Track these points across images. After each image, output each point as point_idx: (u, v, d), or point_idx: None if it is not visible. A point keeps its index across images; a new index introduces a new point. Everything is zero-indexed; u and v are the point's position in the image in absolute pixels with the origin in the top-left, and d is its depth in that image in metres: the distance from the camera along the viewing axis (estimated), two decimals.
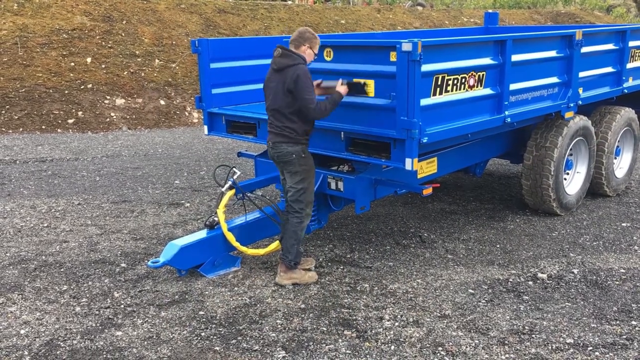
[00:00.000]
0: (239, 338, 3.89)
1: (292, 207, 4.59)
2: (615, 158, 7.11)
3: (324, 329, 4.00)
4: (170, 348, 3.79)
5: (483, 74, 4.88)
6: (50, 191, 7.31)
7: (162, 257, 4.66)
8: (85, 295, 4.53)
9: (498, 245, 5.50)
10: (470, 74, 4.75)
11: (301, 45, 4.49)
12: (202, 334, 3.95)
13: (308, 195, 4.57)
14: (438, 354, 3.70)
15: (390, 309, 4.27)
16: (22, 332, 4.00)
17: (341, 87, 4.51)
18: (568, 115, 5.94)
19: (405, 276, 4.84)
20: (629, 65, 6.82)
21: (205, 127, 5.97)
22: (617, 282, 4.70)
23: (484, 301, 4.40)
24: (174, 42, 13.60)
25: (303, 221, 4.60)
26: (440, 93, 4.52)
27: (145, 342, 3.85)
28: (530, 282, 4.72)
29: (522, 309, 4.28)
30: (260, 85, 6.11)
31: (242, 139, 5.80)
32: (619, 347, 3.78)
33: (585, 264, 5.06)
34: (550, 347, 3.77)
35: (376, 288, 4.61)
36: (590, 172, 6.55)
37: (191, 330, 4.00)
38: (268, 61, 6.07)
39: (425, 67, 4.29)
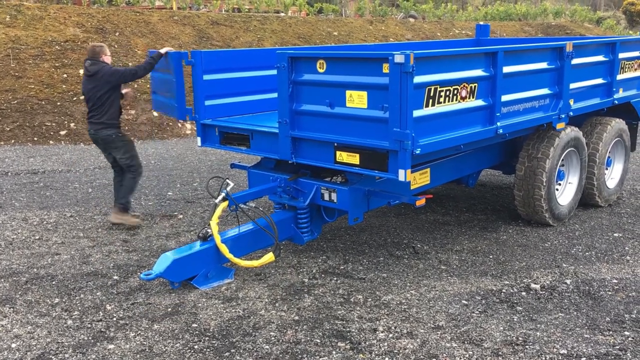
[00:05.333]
0: (233, 350, 3.88)
1: (129, 170, 6.26)
2: (607, 169, 7.16)
3: (318, 340, 3.99)
4: None
5: (475, 86, 4.91)
6: (42, 203, 7.27)
7: (155, 269, 4.64)
8: (77, 308, 4.50)
9: (491, 256, 5.51)
10: (462, 86, 4.78)
11: (100, 56, 6.14)
12: (196, 346, 3.93)
13: (136, 158, 6.31)
14: None
15: (384, 320, 4.27)
16: (13, 345, 3.96)
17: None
18: (559, 126, 5.98)
19: (398, 287, 4.83)
20: (619, 77, 6.88)
21: (199, 139, 5.97)
22: (610, 293, 4.72)
23: (477, 312, 4.40)
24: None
25: (137, 176, 6.35)
26: (433, 104, 4.55)
27: (138, 356, 3.83)
28: (524, 293, 4.73)
29: (515, 319, 4.29)
30: (254, 97, 6.18)
31: (236, 151, 5.81)
32: (612, 357, 3.79)
33: (578, 274, 5.08)
34: (543, 358, 3.77)
35: (370, 299, 4.61)
36: (582, 182, 6.59)
37: (184, 343, 3.98)
38: (261, 73, 6.14)
39: (418, 79, 4.32)
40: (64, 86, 11.94)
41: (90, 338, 4.05)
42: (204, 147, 6.11)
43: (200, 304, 4.51)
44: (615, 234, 6.09)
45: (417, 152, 4.39)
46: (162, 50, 6.14)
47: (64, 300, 4.64)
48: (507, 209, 6.94)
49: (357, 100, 4.58)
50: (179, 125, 12.32)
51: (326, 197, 5.13)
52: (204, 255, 4.80)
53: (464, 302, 4.56)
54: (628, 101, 7.20)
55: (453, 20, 22.59)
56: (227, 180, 5.08)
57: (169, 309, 4.44)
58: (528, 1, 28.31)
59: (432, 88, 4.51)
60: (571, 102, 6.07)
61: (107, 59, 6.23)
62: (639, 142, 8.20)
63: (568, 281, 4.93)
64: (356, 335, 4.05)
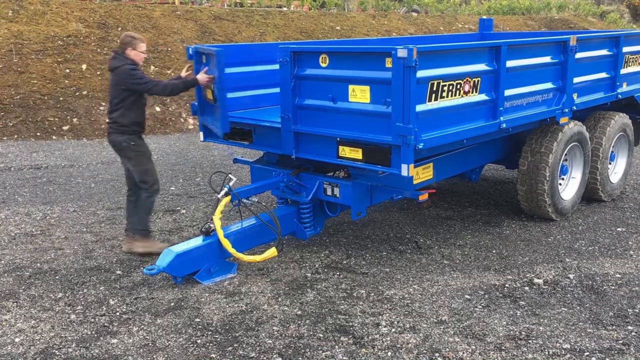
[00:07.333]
0: (235, 345, 3.88)
1: (142, 186, 5.32)
2: (610, 163, 7.13)
3: (321, 335, 4.00)
4: (166, 356, 3.77)
5: (478, 80, 4.89)
6: (45, 198, 7.28)
7: (158, 264, 4.65)
8: (81, 302, 4.51)
9: (494, 251, 5.51)
10: (465, 80, 4.76)
11: (125, 49, 5.25)
12: (198, 341, 3.93)
13: (150, 173, 5.36)
14: None
15: (387, 315, 4.27)
16: (16, 340, 3.98)
17: (201, 76, 5.35)
18: (563, 120, 5.96)
19: (401, 282, 4.83)
20: (623, 71, 6.85)
21: (201, 134, 5.96)
22: (613, 287, 4.71)
23: (480, 307, 4.40)
24: (169, 49, 13.61)
25: (152, 195, 5.37)
26: (436, 99, 4.53)
27: (141, 350, 3.84)
28: (527, 288, 4.72)
29: (518, 314, 4.28)
30: (257, 92, 6.17)
31: (238, 146, 5.80)
32: (616, 352, 3.78)
33: (581, 269, 5.07)
34: (547, 353, 3.77)
35: (372, 294, 4.61)
36: (585, 177, 6.57)
37: (187, 337, 3.98)
38: (263, 67, 6.12)
39: (421, 73, 4.30)
40: (66, 81, 11.94)
41: (93, 333, 4.06)
42: (207, 142, 6.10)
43: (203, 299, 4.52)
44: (619, 229, 6.08)
45: (420, 146, 4.38)
46: (202, 78, 5.32)
47: (67, 295, 4.65)
48: (510, 204, 6.93)
49: (359, 95, 4.58)
50: (182, 119, 12.32)
51: (329, 192, 5.13)
52: (206, 250, 4.81)
53: (466, 296, 4.56)
54: (632, 96, 7.18)
55: (456, 14, 22.52)
56: (230, 175, 5.08)
57: (172, 304, 4.45)
58: None
59: (435, 83, 4.49)
60: (575, 96, 6.05)
61: (135, 54, 5.26)
62: None
63: (571, 276, 4.92)
64: (359, 330, 4.05)
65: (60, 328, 4.13)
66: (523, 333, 4.01)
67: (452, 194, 7.44)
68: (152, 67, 12.93)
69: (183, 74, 5.55)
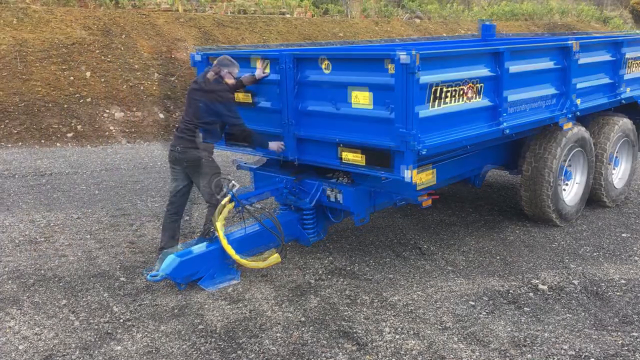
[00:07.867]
0: (239, 352, 3.87)
1: (211, 202, 5.18)
2: (614, 167, 7.10)
3: (324, 341, 3.99)
4: None
5: (480, 85, 4.89)
6: (49, 205, 7.29)
7: (161, 270, 4.64)
8: (84, 309, 4.51)
9: (498, 257, 5.49)
10: (467, 84, 4.76)
11: (221, 70, 5.14)
12: (202, 347, 3.93)
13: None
14: None
15: (391, 321, 4.26)
16: (20, 347, 3.98)
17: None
18: (565, 124, 5.94)
19: (405, 288, 4.82)
20: (626, 75, 6.84)
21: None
22: (618, 293, 4.69)
23: (484, 313, 4.38)
24: (172, 55, 13.65)
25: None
26: (439, 104, 4.53)
27: (144, 357, 3.83)
28: (531, 293, 4.70)
29: (522, 320, 4.26)
30: None
31: (239, 148, 5.79)
32: (621, 357, 3.76)
33: (585, 274, 5.05)
34: (551, 359, 3.75)
35: (376, 300, 4.59)
36: (589, 182, 6.55)
37: (190, 344, 3.98)
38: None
39: (423, 78, 4.30)
40: (70, 88, 11.98)
41: (96, 339, 4.06)
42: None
43: (206, 305, 4.51)
44: (623, 234, 6.06)
45: (419, 148, 4.36)
46: (246, 80, 5.31)
47: (70, 301, 4.65)
48: (513, 209, 6.91)
49: (362, 99, 4.58)
50: None
51: (331, 197, 5.12)
52: (209, 256, 4.80)
53: (470, 302, 4.54)
54: (635, 100, 7.15)
55: (458, 20, 22.54)
56: (229, 176, 5.09)
57: (175, 310, 4.45)
58: (534, 0, 28.21)
59: (438, 87, 4.49)
60: (575, 97, 6.02)
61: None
62: None
63: (575, 281, 4.90)
64: (362, 336, 4.04)
65: (64, 334, 4.13)
66: (527, 339, 3.99)
67: (455, 199, 7.43)
68: (156, 75, 12.98)
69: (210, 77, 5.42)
